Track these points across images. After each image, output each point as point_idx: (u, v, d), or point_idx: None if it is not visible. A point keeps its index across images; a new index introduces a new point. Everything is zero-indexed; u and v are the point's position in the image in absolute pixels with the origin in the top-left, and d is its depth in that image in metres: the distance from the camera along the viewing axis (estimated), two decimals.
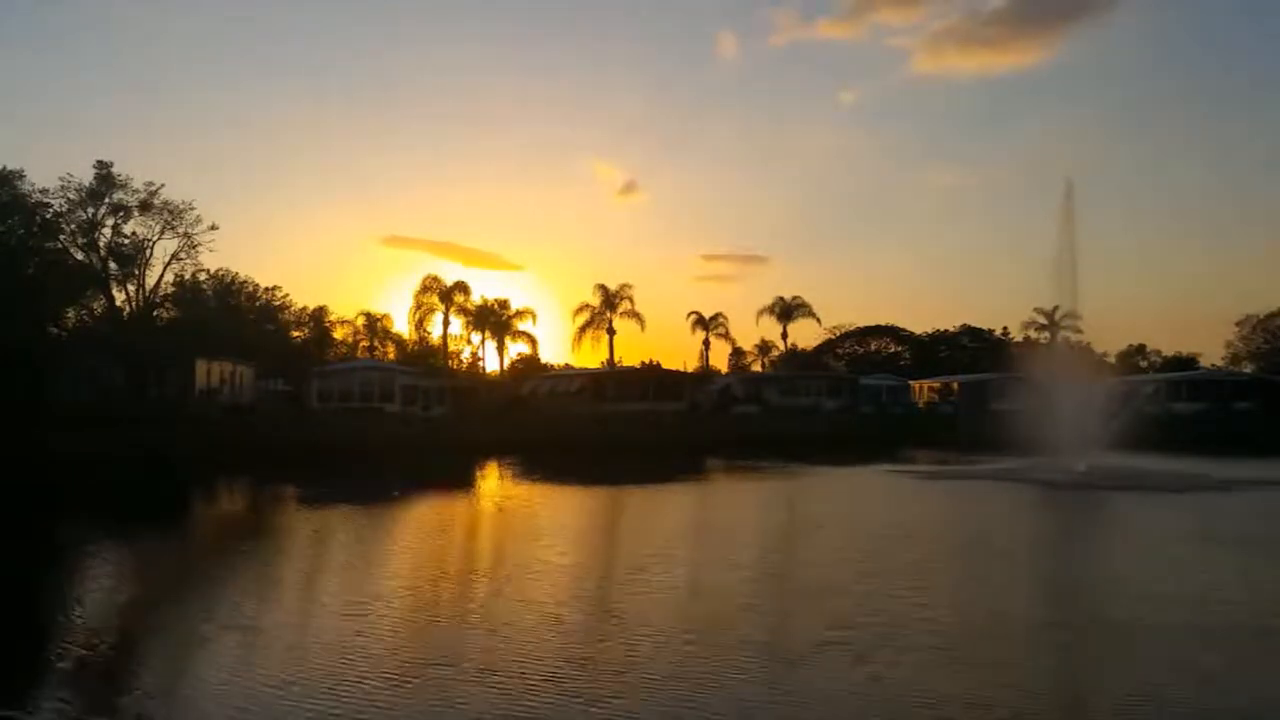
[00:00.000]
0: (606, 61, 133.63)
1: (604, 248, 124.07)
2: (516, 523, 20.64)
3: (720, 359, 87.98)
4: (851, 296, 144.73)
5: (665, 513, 22.24)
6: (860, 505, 23.37)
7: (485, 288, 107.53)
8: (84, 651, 9.44)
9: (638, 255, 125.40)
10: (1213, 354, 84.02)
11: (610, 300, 67.62)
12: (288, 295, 69.96)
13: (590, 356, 70.53)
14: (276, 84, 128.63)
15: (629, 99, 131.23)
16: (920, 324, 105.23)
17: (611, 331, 67.16)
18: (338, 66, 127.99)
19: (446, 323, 75.76)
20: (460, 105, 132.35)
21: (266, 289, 68.16)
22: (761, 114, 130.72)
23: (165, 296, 55.95)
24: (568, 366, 75.48)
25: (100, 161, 51.17)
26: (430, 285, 75.11)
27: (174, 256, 53.82)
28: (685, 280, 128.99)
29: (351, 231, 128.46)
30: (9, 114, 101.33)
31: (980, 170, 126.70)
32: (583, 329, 68.82)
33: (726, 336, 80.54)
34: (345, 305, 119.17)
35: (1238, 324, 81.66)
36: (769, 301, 79.21)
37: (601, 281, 69.77)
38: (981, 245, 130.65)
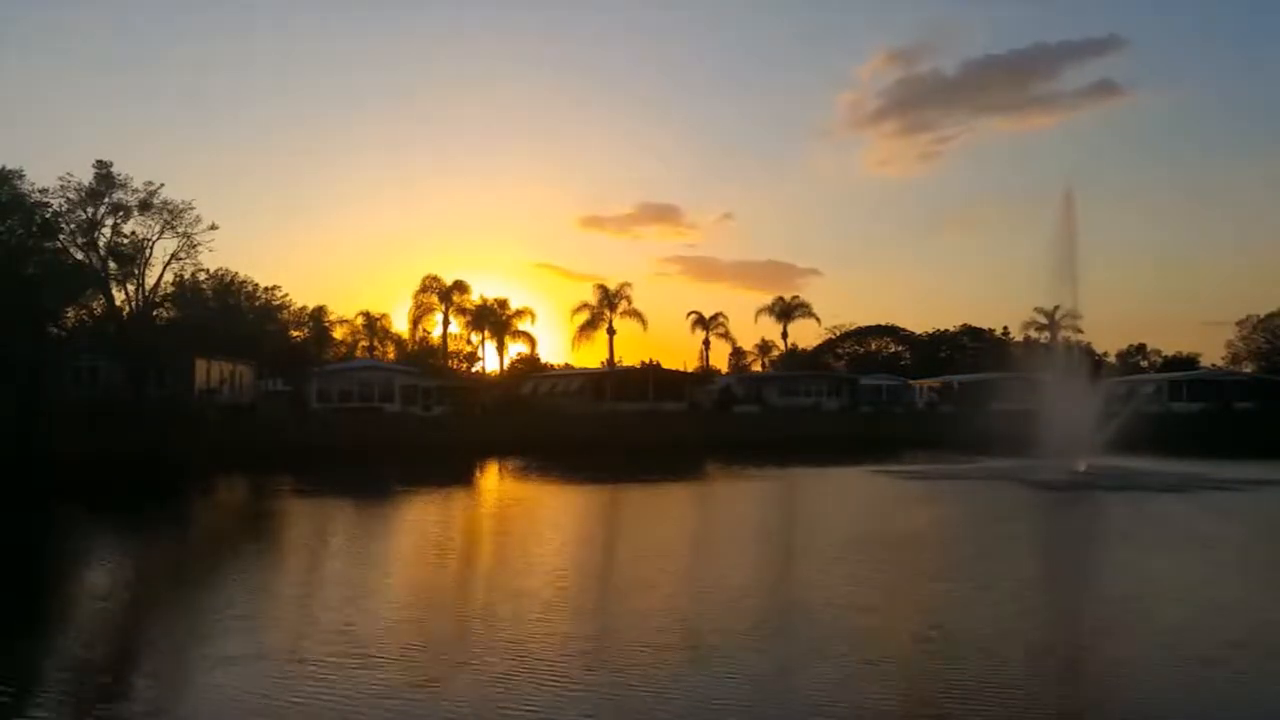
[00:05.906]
0: (734, 105, 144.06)
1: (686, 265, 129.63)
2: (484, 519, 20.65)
3: (720, 359, 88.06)
4: (875, 302, 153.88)
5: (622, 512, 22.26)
6: (839, 508, 23.09)
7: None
8: (88, 646, 9.45)
9: (712, 270, 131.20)
10: (1213, 354, 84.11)
11: (610, 299, 67.35)
12: (287, 295, 69.91)
13: (590, 356, 70.41)
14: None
15: (747, 141, 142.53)
16: (920, 324, 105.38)
17: (611, 331, 66.89)
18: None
19: (446, 322, 75.67)
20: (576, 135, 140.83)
21: (266, 289, 68.13)
22: (849, 156, 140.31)
23: (165, 296, 55.85)
24: (567, 366, 75.34)
25: (100, 161, 50.98)
26: (429, 285, 74.99)
27: (174, 256, 53.71)
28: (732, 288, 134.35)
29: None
30: (9, 114, 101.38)
31: (1001, 194, 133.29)
32: (582, 328, 68.61)
33: (726, 336, 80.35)
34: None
35: (1238, 324, 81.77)
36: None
37: (602, 283, 69.59)
38: (985, 247, 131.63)
